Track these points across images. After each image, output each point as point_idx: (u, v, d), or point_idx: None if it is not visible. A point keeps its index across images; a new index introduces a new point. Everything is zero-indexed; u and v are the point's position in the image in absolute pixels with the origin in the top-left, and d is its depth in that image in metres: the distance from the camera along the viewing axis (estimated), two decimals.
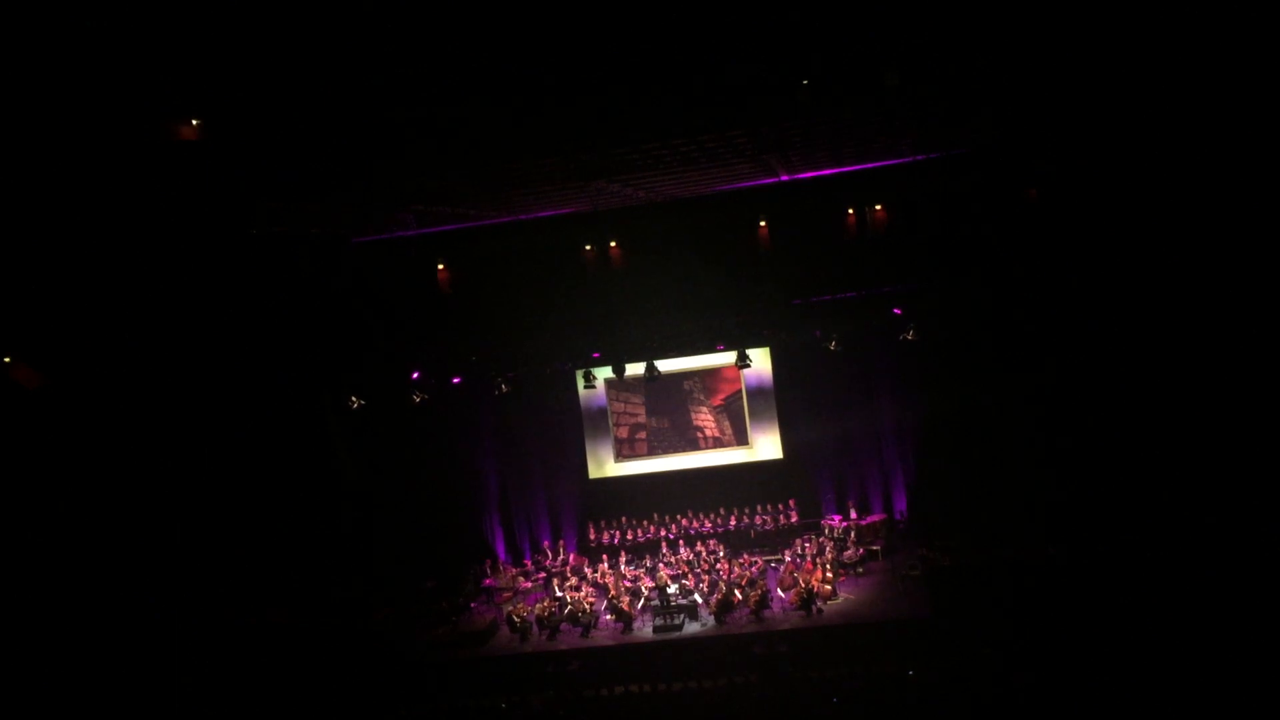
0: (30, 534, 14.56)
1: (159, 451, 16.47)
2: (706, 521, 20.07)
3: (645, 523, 20.46)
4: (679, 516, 20.32)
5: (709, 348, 19.77)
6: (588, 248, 17.81)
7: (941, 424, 18.91)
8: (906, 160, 16.12)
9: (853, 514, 19.61)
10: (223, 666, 15.70)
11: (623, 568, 18.95)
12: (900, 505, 19.90)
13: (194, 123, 9.87)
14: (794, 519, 19.80)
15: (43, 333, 13.41)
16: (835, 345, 18.43)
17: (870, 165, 16.55)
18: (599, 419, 21.41)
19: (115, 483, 16.01)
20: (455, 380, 19.79)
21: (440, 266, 17.87)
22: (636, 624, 16.80)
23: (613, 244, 17.67)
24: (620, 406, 21.31)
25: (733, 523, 19.92)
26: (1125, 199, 15.80)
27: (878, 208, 17.02)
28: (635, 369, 19.06)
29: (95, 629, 15.03)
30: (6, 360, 13.60)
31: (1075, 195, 16.08)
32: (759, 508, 20.10)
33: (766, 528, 19.68)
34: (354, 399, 18.70)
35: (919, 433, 19.51)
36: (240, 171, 10.99)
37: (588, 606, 17.24)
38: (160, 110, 9.62)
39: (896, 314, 18.01)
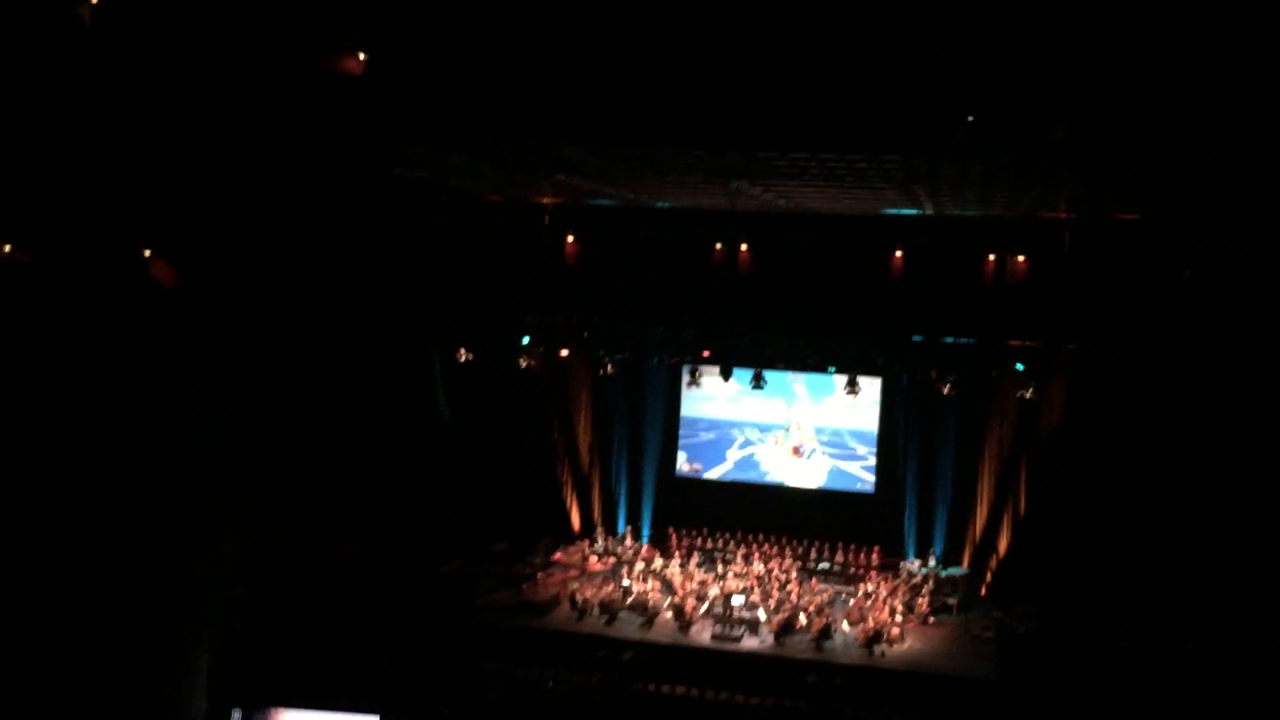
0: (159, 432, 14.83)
1: (272, 363, 16.70)
2: (786, 549, 19.83)
3: (722, 531, 20.34)
4: (758, 534, 20.14)
5: (820, 367, 19.52)
6: (718, 246, 17.70)
7: (1045, 491, 18.29)
8: (1059, 216, 15.61)
9: (933, 562, 19.18)
10: (288, 590, 15.90)
11: (692, 568, 18.85)
12: (987, 563, 19.35)
13: (360, 56, 10.08)
14: (874, 561, 19.46)
15: (180, 236, 13.75)
16: (950, 390, 18.01)
17: (1019, 214, 16.09)
18: (695, 418, 21.35)
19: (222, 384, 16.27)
20: (563, 352, 19.88)
21: (570, 239, 17.96)
22: (695, 628, 16.69)
23: (743, 246, 17.54)
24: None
25: (812, 555, 19.65)
26: None
27: (1020, 258, 16.54)
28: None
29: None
30: (146, 254, 14.01)
31: (1231, 285, 15.27)
32: (840, 545, 19.78)
33: (848, 569, 19.38)
34: (463, 352, 18.88)
35: (1020, 495, 18.92)
36: (395, 110, 11.18)
37: (650, 600, 17.19)
38: (331, 39, 9.85)
39: (1018, 369, 17.50)
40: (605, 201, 17.37)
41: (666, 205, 17.36)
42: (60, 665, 11.91)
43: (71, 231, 11.96)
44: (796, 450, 20.99)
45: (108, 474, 12.55)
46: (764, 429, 21.17)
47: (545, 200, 17.53)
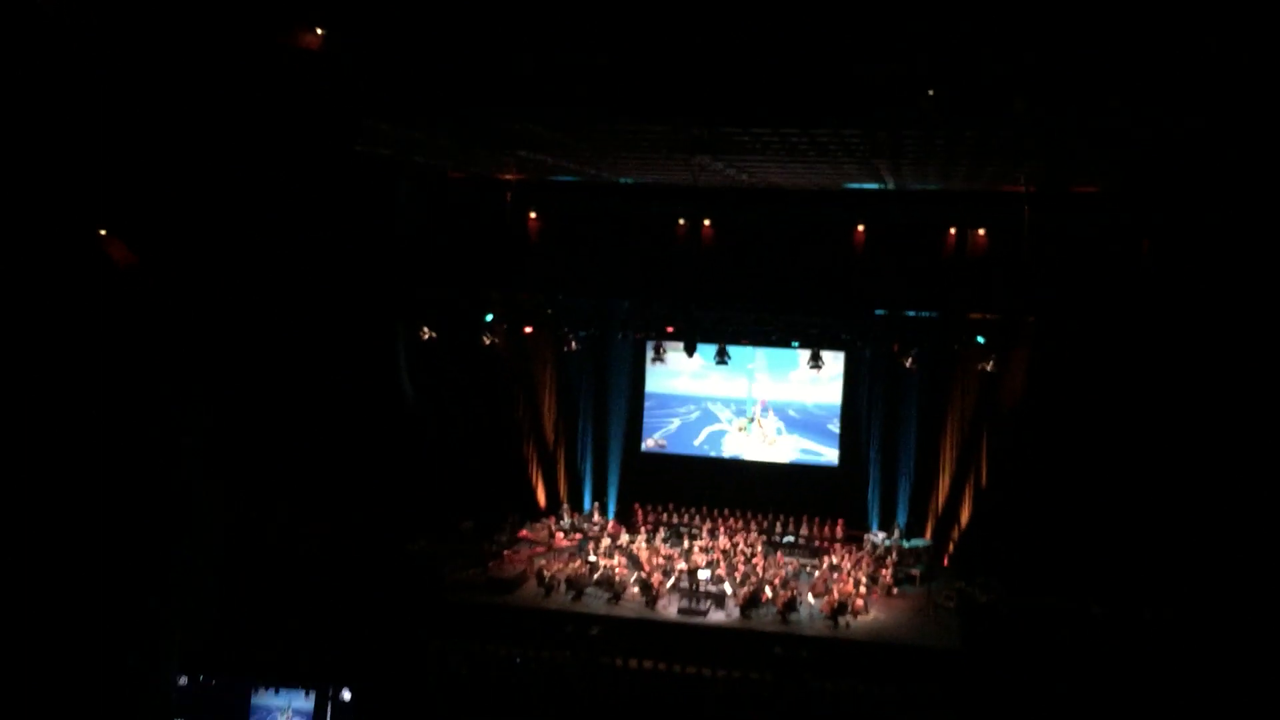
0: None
1: (232, 343, 16.52)
2: (752, 523, 19.96)
3: (687, 506, 20.45)
4: (724, 509, 20.27)
5: (784, 342, 19.60)
6: (681, 221, 17.70)
7: (1005, 461, 18.51)
8: (1019, 189, 15.74)
9: (897, 533, 19.38)
10: (253, 570, 15.76)
11: (658, 544, 18.95)
12: (950, 534, 19.57)
13: (318, 32, 9.97)
14: (839, 534, 19.63)
15: (139, 215, 13.54)
16: (911, 363, 18.16)
17: (980, 187, 16.21)
18: (660, 394, 21.41)
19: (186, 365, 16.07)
20: (527, 329, 19.83)
21: (532, 215, 17.87)
22: (662, 602, 16.77)
23: (706, 222, 17.55)
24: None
25: (777, 529, 19.79)
26: (1248, 277, 15.04)
27: (980, 231, 16.69)
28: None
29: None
30: (102, 233, 13.77)
31: (1190, 256, 15.47)
32: (805, 518, 19.92)
33: (813, 542, 19.53)
34: (426, 330, 18.77)
35: (981, 466, 19.13)
36: (355, 87, 11.07)
37: (617, 576, 17.26)
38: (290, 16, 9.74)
39: (979, 342, 17.67)
40: (568, 178, 17.31)
41: (630, 181, 17.34)
42: (31, 639, 11.76)
43: (28, 213, 11.72)
44: (765, 443, 21.09)
45: (80, 459, 12.35)
46: (726, 404, 21.22)
47: (508, 177, 17.43)
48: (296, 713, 9.82)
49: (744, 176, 15.78)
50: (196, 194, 13.19)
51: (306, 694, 10.65)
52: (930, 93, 10.06)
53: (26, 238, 11.70)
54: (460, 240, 18.22)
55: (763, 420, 20.97)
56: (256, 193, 14.08)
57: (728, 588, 16.84)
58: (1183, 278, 15.67)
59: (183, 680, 11.24)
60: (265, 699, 10.72)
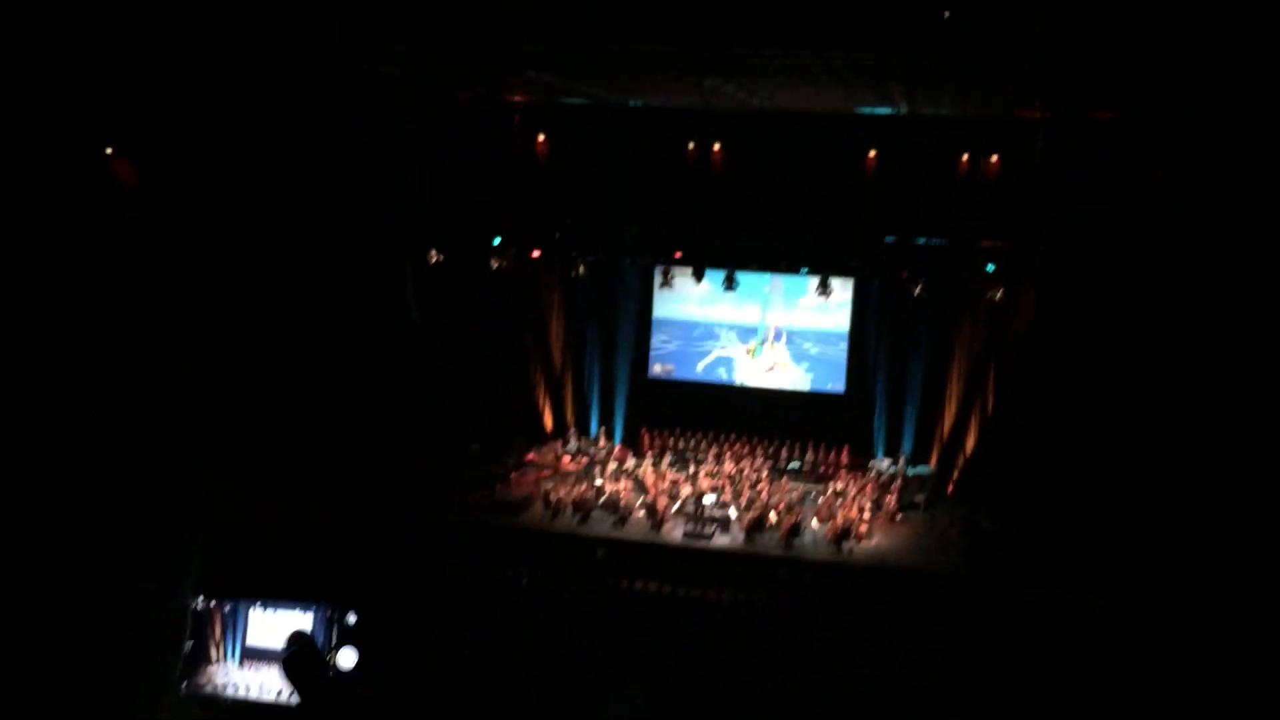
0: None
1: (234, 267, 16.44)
2: (758, 449, 20.04)
3: (694, 432, 20.55)
4: (730, 435, 20.33)
5: (793, 269, 19.51)
6: (691, 146, 17.51)
7: (1012, 392, 18.47)
8: (1034, 115, 15.50)
9: (902, 460, 19.45)
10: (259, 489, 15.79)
11: (664, 468, 19.07)
12: (955, 462, 19.63)
13: None
14: (844, 460, 19.71)
15: (145, 135, 13.40)
16: (920, 290, 18.06)
17: (994, 113, 15.98)
18: (668, 320, 21.41)
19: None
20: (535, 253, 19.73)
21: (541, 138, 17.67)
22: (667, 526, 16.93)
23: (716, 146, 17.36)
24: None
25: (783, 455, 19.88)
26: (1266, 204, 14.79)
27: (993, 158, 16.48)
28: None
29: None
30: (108, 151, 13.65)
31: (1206, 186, 15.22)
32: (810, 444, 19.97)
33: (818, 468, 19.62)
34: (434, 253, 18.66)
35: (988, 395, 19.11)
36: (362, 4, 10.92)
37: (623, 500, 17.40)
38: None
39: (989, 271, 17.55)
40: (577, 100, 17.09)
41: (639, 104, 17.13)
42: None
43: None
44: (770, 369, 21.05)
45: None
46: (734, 330, 21.17)
47: (517, 99, 17.22)
48: (300, 633, 9.90)
49: (755, 100, 15.57)
50: (200, 120, 13.07)
51: (309, 612, 10.75)
52: (946, 14, 9.89)
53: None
54: (468, 163, 18.04)
55: (774, 344, 20.91)
56: (260, 116, 13.95)
57: (732, 512, 16.97)
58: (1197, 208, 15.46)
59: (197, 604, 11.33)
60: (268, 617, 10.81)
